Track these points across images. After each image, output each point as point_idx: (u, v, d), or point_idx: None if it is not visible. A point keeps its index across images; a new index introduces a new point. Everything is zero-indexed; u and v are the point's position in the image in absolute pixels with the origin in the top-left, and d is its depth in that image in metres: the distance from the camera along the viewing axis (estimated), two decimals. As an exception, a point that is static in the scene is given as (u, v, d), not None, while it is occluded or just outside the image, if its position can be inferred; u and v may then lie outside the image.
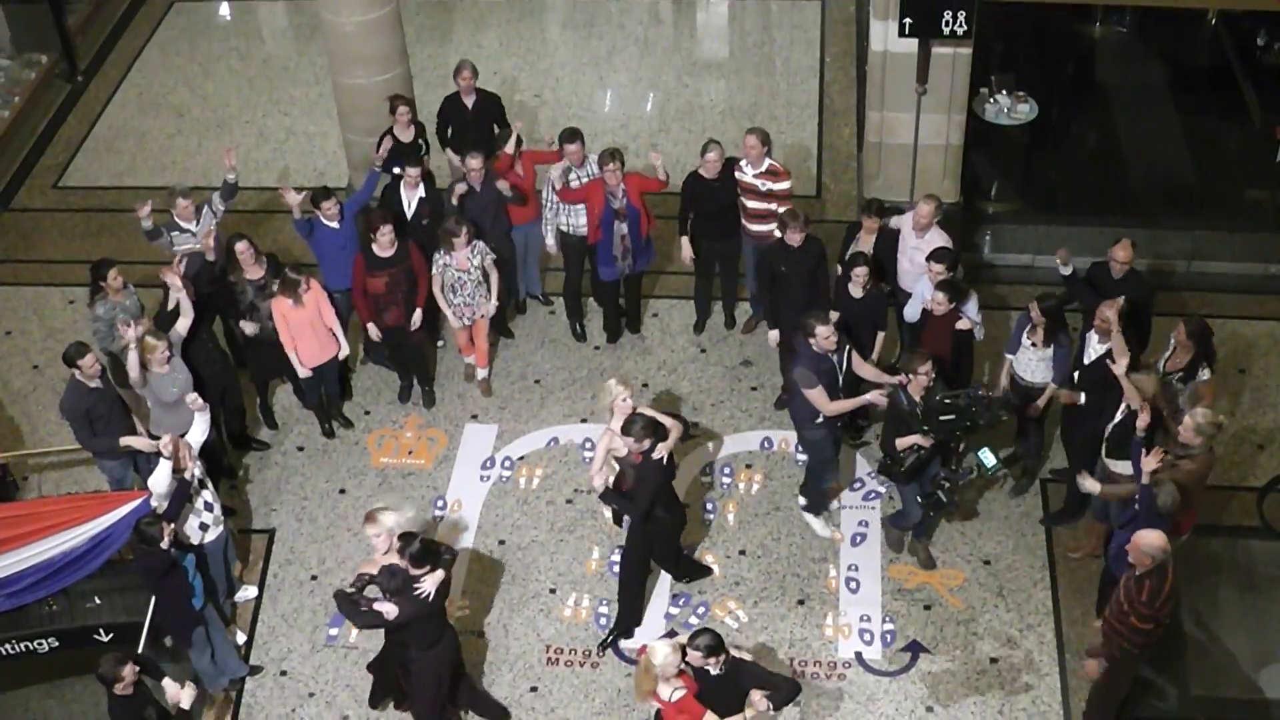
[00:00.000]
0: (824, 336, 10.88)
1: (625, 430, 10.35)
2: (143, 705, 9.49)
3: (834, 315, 12.00)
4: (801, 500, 12.09)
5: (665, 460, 10.54)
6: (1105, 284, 11.62)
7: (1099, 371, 10.94)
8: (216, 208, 12.79)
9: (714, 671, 9.13)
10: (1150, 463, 9.75)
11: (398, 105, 13.34)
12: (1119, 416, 10.64)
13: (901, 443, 10.76)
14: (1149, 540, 9.25)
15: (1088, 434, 11.25)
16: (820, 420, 11.28)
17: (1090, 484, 10.47)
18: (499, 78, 17.31)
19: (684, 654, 9.09)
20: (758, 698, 9.05)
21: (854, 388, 11.41)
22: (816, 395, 11.06)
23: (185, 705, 9.59)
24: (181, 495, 10.50)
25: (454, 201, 12.75)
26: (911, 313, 12.15)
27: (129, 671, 9.31)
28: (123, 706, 9.42)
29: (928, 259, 11.69)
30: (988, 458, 10.75)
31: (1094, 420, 11.07)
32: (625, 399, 10.71)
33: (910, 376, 10.60)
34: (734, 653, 9.23)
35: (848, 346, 11.20)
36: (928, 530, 11.63)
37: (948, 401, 10.47)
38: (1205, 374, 11.13)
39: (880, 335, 12.04)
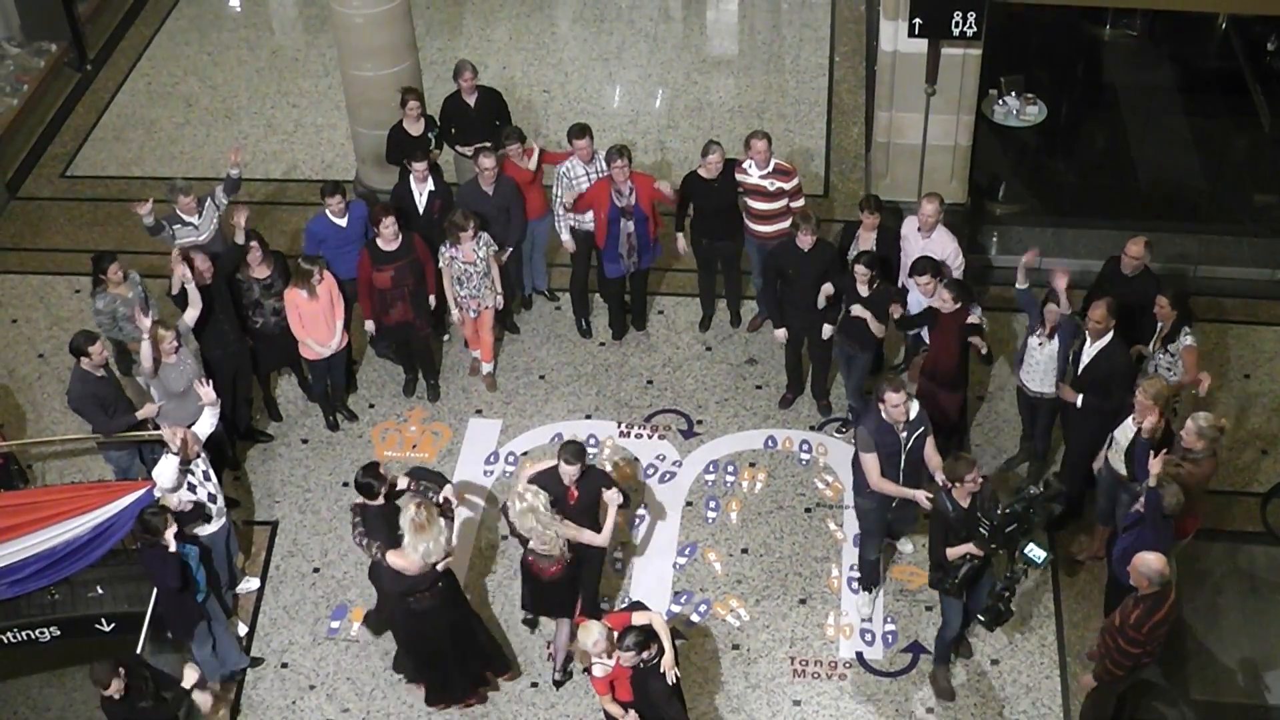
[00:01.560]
0: (893, 404, 10.20)
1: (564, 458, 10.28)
2: (137, 700, 9.49)
3: (828, 330, 12.15)
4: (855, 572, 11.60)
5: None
6: (1117, 281, 11.62)
7: (1097, 372, 10.94)
8: (220, 200, 12.79)
9: (641, 665, 9.38)
10: (1156, 465, 9.72)
11: (408, 98, 13.34)
12: (1133, 430, 10.58)
13: (953, 553, 10.01)
14: (1147, 563, 9.22)
15: (1088, 435, 11.24)
16: (872, 489, 10.65)
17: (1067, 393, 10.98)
18: (508, 72, 17.32)
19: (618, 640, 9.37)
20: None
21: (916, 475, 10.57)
22: (869, 462, 10.46)
23: (188, 684, 9.68)
24: (195, 514, 10.62)
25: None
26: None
27: (117, 685, 9.29)
28: (114, 706, 9.45)
29: (910, 273, 11.67)
30: (1036, 554, 9.74)
31: (1094, 422, 11.06)
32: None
33: (956, 484, 9.87)
34: (664, 666, 9.41)
35: (920, 430, 10.43)
36: (957, 651, 10.97)
37: (1008, 512, 9.79)
38: (1189, 339, 11.16)
39: (880, 327, 11.98)
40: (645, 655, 9.30)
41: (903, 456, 10.43)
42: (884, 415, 10.30)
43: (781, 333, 12.58)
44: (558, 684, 11.08)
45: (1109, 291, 11.33)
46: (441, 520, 9.92)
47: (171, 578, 10.08)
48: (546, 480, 10.27)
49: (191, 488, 10.66)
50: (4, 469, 12.14)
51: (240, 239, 12.13)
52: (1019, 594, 10.34)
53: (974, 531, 9.86)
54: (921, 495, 10.34)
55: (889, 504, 10.77)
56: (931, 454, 10.52)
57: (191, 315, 11.71)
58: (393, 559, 9.82)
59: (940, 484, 10.08)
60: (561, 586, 10.45)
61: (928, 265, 11.53)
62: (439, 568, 9.92)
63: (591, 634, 9.32)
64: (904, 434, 10.38)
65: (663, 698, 9.46)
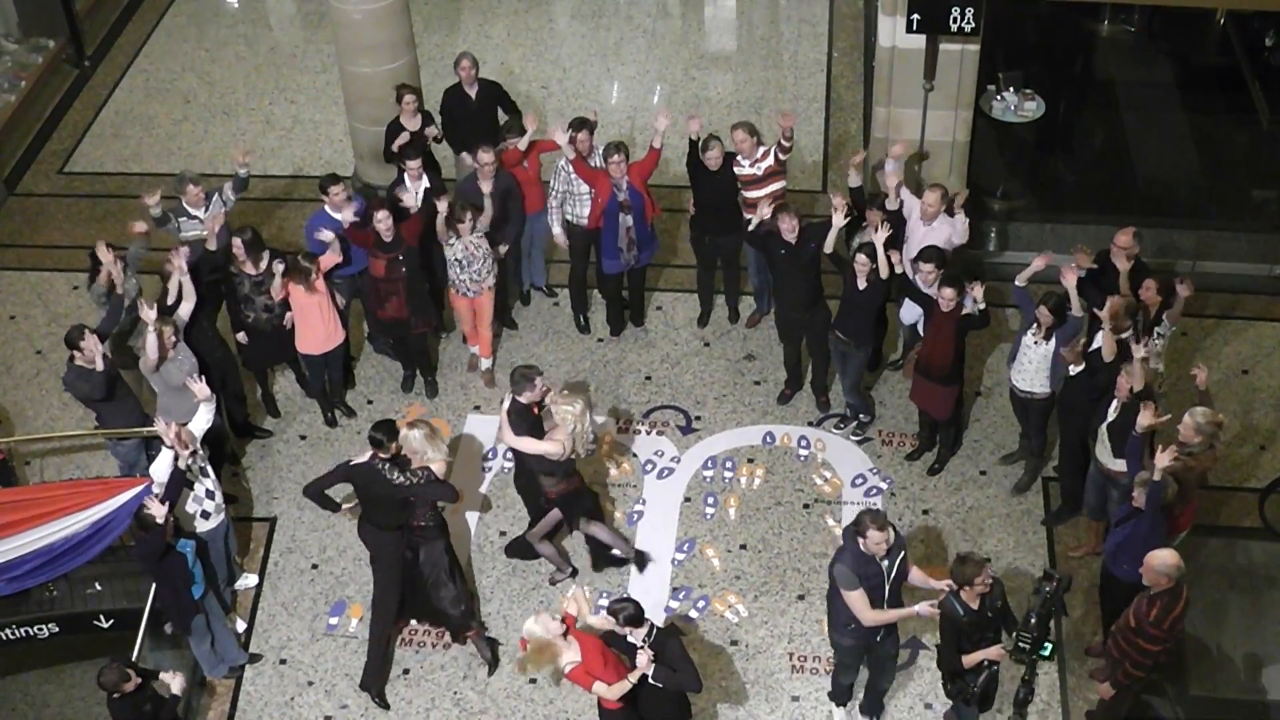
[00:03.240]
0: (875, 541, 9.40)
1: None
2: (142, 701, 9.51)
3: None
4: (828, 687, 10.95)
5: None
6: (1110, 272, 11.64)
7: (1097, 360, 10.98)
8: (227, 197, 12.79)
9: (636, 644, 9.28)
10: (1164, 459, 9.67)
11: (404, 94, 13.32)
12: (1112, 415, 10.65)
13: (970, 660, 9.53)
14: (1162, 559, 9.23)
15: (1081, 428, 11.25)
16: (853, 627, 9.81)
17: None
18: (505, 68, 17.30)
19: (565, 619, 9.40)
20: (644, 659, 9.24)
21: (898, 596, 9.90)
22: (857, 600, 9.54)
23: (177, 691, 9.65)
24: (178, 480, 10.51)
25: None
26: (908, 315, 12.14)
27: (131, 685, 9.36)
28: (121, 706, 9.47)
29: (915, 259, 11.67)
30: (1045, 647, 9.56)
31: (1090, 414, 11.06)
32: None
33: (966, 587, 9.36)
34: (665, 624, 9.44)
35: (902, 553, 9.67)
36: None
37: (1042, 615, 9.44)
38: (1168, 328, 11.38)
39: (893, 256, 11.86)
40: (638, 631, 9.23)
41: (887, 586, 9.65)
42: (863, 548, 9.49)
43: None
44: (640, 563, 11.72)
45: (1105, 284, 11.41)
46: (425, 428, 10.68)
47: (156, 545, 10.11)
48: (522, 414, 10.91)
49: (189, 483, 10.67)
50: (3, 464, 12.16)
51: (212, 245, 12.15)
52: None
53: (986, 635, 9.51)
54: (923, 608, 9.63)
55: (873, 637, 9.96)
56: (914, 570, 9.89)
57: (186, 308, 11.69)
58: (438, 470, 10.54)
59: (947, 588, 9.53)
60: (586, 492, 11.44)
61: (934, 254, 11.56)
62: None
63: (540, 621, 9.26)
64: (885, 562, 9.58)
65: (679, 657, 9.34)
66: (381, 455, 10.47)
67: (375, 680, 11.04)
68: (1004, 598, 9.63)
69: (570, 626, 9.37)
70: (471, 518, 12.21)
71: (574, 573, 11.67)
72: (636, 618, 9.27)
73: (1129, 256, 11.59)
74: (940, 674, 10.12)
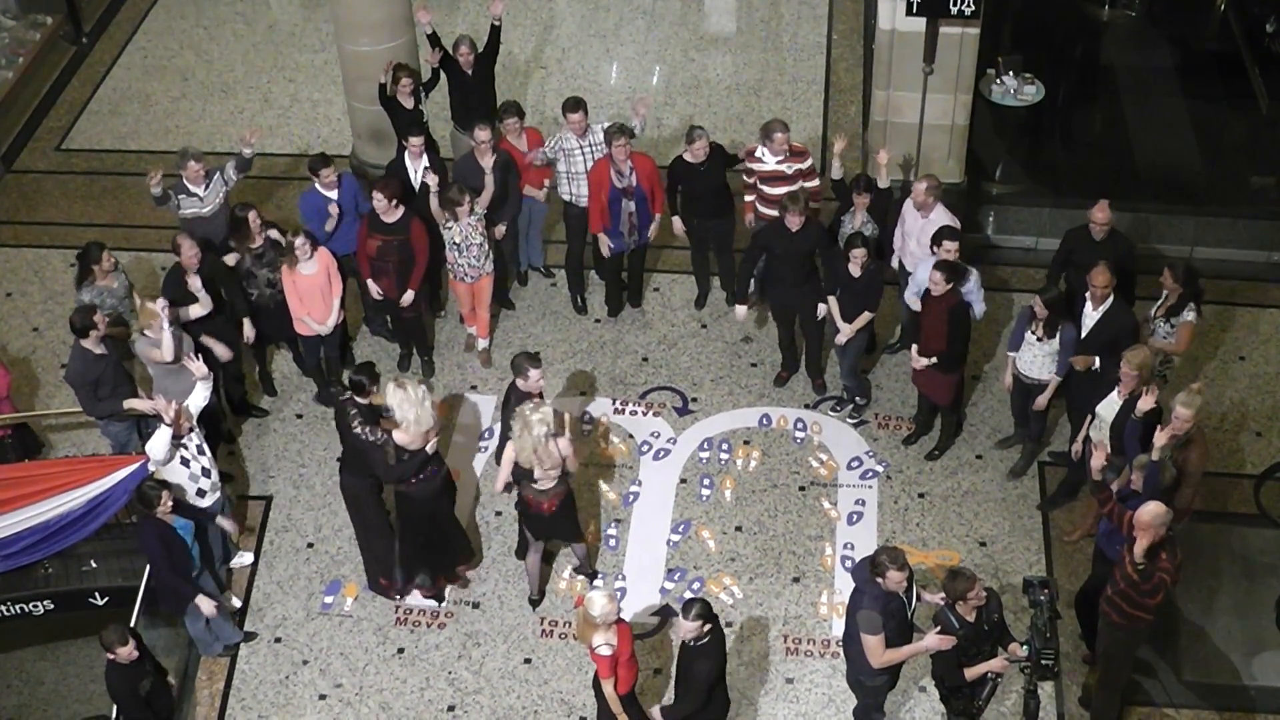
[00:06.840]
0: (895, 581, 9.26)
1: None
2: (139, 676, 9.54)
3: (830, 301, 12.11)
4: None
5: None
6: (1086, 247, 11.66)
7: (1104, 336, 11.00)
8: (229, 176, 12.76)
9: (690, 643, 9.28)
10: (1162, 438, 9.71)
11: (401, 75, 13.30)
12: (1116, 405, 10.59)
13: (972, 673, 9.47)
14: (1153, 512, 9.24)
15: (1084, 407, 11.22)
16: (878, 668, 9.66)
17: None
18: (505, 48, 17.23)
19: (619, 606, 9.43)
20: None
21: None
22: (875, 644, 9.40)
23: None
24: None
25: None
26: (912, 298, 12.15)
27: (128, 650, 9.40)
28: (120, 674, 9.48)
29: (933, 239, 11.66)
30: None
31: (1100, 392, 11.03)
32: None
33: (960, 601, 9.30)
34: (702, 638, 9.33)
35: (912, 584, 9.56)
36: None
37: (1052, 626, 9.47)
38: (1190, 315, 11.30)
39: (866, 316, 12.01)
40: (704, 629, 9.20)
41: (911, 612, 9.59)
42: (885, 587, 9.33)
43: (741, 310, 12.69)
44: (591, 576, 11.58)
45: (1082, 260, 11.45)
46: (422, 388, 10.50)
47: (153, 546, 10.14)
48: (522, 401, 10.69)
49: (185, 461, 10.67)
50: (18, 440, 12.19)
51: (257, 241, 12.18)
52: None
53: (984, 648, 9.47)
54: (932, 639, 9.42)
55: (899, 671, 9.97)
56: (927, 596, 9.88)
57: (197, 311, 11.72)
58: (399, 437, 10.43)
59: (940, 603, 9.49)
60: (561, 516, 10.88)
61: (953, 234, 11.59)
62: (429, 448, 10.57)
63: (598, 603, 9.23)
64: (905, 594, 9.51)
65: (702, 683, 9.34)
66: (357, 398, 10.56)
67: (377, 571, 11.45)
68: (1001, 610, 9.59)
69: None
70: (468, 498, 12.21)
71: (535, 604, 11.48)
72: (705, 615, 9.15)
73: (1104, 232, 11.71)
74: (939, 692, 10.10)
